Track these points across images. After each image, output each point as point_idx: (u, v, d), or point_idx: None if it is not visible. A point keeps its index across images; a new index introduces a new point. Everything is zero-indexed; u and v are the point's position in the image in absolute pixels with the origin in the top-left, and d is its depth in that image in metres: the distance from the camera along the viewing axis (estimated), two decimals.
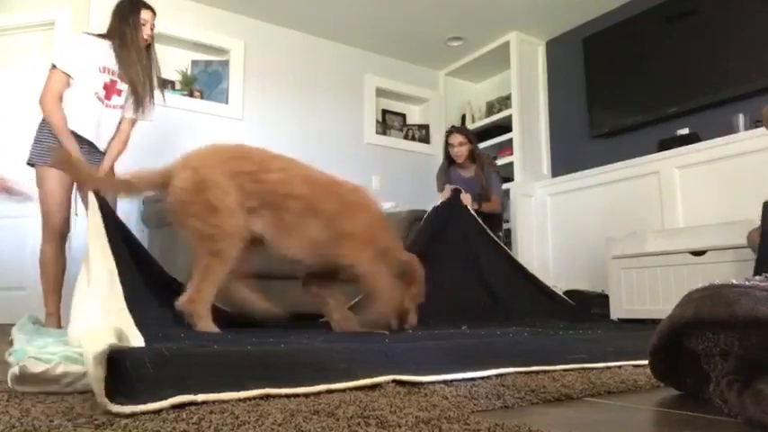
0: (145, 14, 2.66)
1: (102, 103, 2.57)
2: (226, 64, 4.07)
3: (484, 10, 4.09)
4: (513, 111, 4.37)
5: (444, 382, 0.95)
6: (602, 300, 3.24)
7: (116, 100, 2.63)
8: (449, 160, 3.69)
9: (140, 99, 2.66)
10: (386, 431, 0.59)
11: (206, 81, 4.04)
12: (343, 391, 0.85)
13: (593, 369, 1.12)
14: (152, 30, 2.69)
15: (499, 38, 4.48)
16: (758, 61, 3.20)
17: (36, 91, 2.52)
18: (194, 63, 4.06)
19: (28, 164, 2.53)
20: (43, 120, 2.51)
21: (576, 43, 4.27)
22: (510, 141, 4.36)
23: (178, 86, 3.95)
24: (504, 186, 4.26)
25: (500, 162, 4.43)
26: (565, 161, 4.27)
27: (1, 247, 3.61)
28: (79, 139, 2.49)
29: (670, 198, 3.23)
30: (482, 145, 4.62)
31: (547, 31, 4.44)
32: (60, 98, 2.46)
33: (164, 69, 3.94)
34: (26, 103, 3.68)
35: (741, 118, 3.11)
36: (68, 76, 2.47)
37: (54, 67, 2.46)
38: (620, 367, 1.15)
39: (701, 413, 0.76)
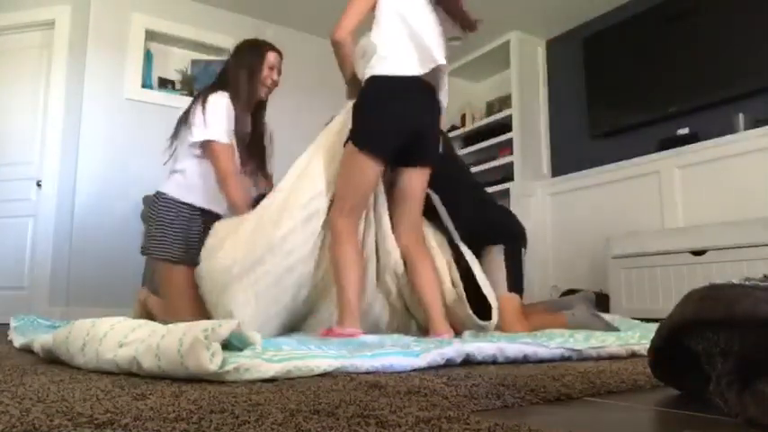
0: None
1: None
2: (226, 64, 4.07)
3: (484, 10, 4.07)
4: (513, 111, 4.36)
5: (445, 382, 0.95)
6: (603, 300, 3.24)
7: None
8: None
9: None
10: (386, 431, 0.59)
11: (206, 81, 4.02)
12: (344, 390, 0.85)
13: (593, 369, 1.12)
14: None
15: (499, 38, 4.48)
16: (758, 61, 3.21)
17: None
18: (194, 63, 4.06)
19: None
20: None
21: (576, 43, 4.27)
22: (510, 141, 4.36)
23: (178, 86, 3.95)
24: (504, 186, 4.27)
25: (500, 162, 4.42)
26: (565, 161, 4.27)
27: (1, 248, 3.61)
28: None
29: (670, 198, 3.23)
30: (482, 145, 4.62)
31: (547, 31, 4.44)
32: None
33: (164, 69, 3.96)
34: (25, 102, 3.69)
35: (741, 118, 3.11)
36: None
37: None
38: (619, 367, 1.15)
39: (701, 413, 0.76)
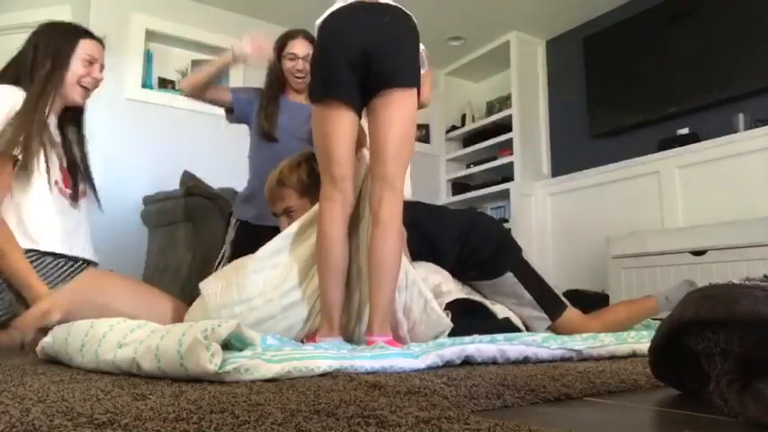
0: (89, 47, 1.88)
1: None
2: None
3: (484, 10, 4.09)
4: (513, 111, 4.37)
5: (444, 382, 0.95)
6: (603, 300, 3.24)
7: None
8: (278, 85, 2.46)
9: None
10: (386, 431, 0.59)
11: None
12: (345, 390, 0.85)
13: (593, 369, 1.12)
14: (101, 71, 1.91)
15: (499, 38, 4.48)
16: (758, 61, 3.20)
17: None
18: (194, 63, 4.06)
19: None
20: None
21: (576, 43, 4.27)
22: (510, 141, 4.36)
23: (178, 86, 3.95)
24: (504, 186, 4.27)
25: (500, 162, 4.42)
26: (565, 161, 4.27)
27: None
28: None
29: (670, 198, 3.23)
30: (482, 145, 4.63)
31: (547, 31, 4.44)
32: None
33: (164, 69, 3.96)
34: None
35: (741, 118, 3.11)
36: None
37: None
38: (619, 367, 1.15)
39: (701, 413, 0.76)
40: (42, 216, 1.75)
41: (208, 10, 4.04)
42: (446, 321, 1.71)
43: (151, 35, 3.85)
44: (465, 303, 1.87)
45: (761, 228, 2.58)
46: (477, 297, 1.94)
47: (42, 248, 1.74)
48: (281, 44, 2.43)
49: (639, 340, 1.55)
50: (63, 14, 3.68)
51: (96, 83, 1.92)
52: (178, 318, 1.83)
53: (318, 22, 1.63)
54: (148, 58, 3.85)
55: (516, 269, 1.96)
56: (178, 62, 3.99)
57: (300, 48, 2.40)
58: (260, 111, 2.41)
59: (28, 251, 1.69)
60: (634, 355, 1.43)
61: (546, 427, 0.64)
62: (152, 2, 3.86)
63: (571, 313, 1.98)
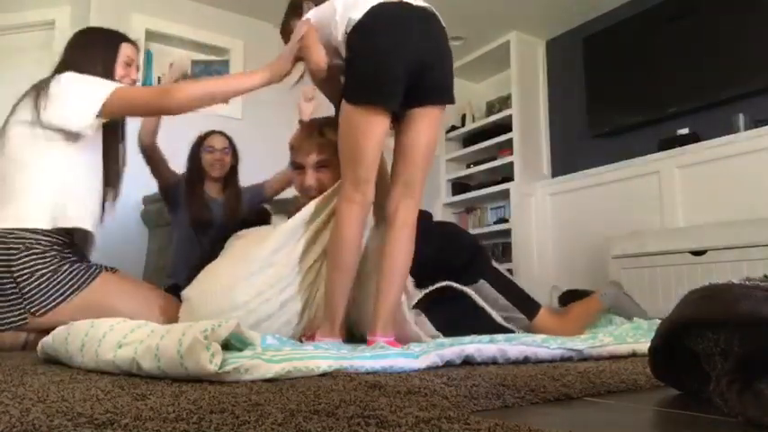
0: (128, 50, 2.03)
1: None
2: (226, 64, 4.06)
3: (484, 10, 4.09)
4: (513, 111, 4.36)
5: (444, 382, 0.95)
6: None
7: None
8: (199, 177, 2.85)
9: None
10: (386, 431, 0.59)
11: None
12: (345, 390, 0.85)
13: (593, 369, 1.12)
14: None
15: (499, 38, 4.48)
16: (758, 61, 3.20)
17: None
18: (194, 63, 4.06)
19: None
20: None
21: (576, 43, 4.27)
22: (510, 141, 4.36)
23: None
24: (504, 186, 4.27)
25: (500, 162, 4.42)
26: (565, 161, 4.27)
27: None
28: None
29: (670, 198, 3.23)
30: (482, 145, 4.62)
31: (547, 31, 4.44)
32: None
33: (164, 69, 3.96)
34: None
35: (741, 118, 3.11)
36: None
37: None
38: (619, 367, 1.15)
39: (701, 413, 0.76)
40: (88, 209, 1.90)
41: (208, 10, 4.04)
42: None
43: (151, 35, 3.85)
44: (448, 290, 1.86)
45: (761, 228, 2.58)
46: (458, 286, 1.92)
47: (65, 252, 1.82)
48: (200, 140, 2.89)
49: (639, 340, 1.55)
50: (63, 14, 3.69)
51: (134, 83, 2.06)
52: (177, 318, 1.84)
53: (354, 16, 1.53)
54: (148, 58, 3.85)
55: (489, 277, 2.00)
56: (178, 62, 3.99)
57: (218, 141, 2.87)
58: (191, 200, 2.73)
59: (59, 241, 1.80)
60: (634, 355, 1.43)
61: (546, 427, 0.64)
62: (152, 2, 3.86)
63: (544, 312, 2.05)
